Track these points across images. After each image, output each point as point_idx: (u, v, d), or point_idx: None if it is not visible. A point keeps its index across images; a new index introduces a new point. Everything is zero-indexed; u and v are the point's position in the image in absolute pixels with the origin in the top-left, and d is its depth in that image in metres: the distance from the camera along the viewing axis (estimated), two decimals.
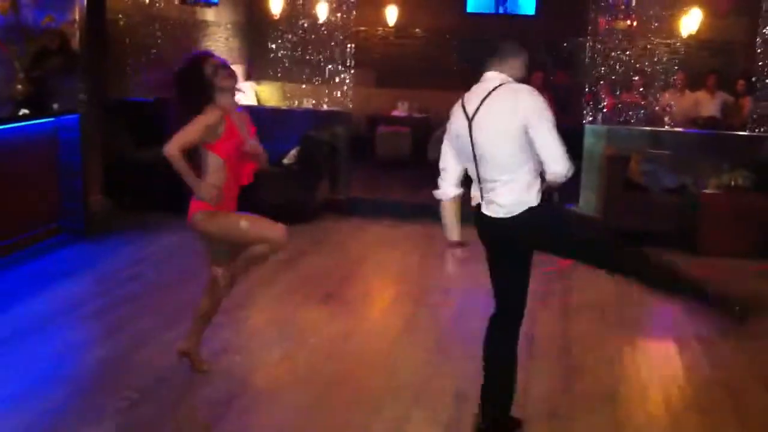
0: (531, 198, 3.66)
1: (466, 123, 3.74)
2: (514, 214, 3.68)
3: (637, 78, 9.39)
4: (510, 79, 3.76)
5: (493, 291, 3.97)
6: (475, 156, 3.73)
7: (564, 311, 6.04)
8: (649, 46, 9.41)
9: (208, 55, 4.39)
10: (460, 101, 3.83)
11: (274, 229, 4.45)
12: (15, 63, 6.92)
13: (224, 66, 4.30)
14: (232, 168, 4.35)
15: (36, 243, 6.93)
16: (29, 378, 4.44)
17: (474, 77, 3.90)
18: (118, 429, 3.93)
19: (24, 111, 6.88)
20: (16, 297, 5.74)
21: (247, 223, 4.36)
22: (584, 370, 4.95)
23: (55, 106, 7.20)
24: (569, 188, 8.79)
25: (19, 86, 6.89)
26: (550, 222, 3.74)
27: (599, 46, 9.09)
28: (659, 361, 5.20)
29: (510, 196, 3.67)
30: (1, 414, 4.03)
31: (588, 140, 8.67)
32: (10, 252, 6.58)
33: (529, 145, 3.58)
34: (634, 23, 9.15)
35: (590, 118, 8.91)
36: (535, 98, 3.61)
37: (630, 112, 9.17)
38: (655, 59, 9.43)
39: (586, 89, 9.08)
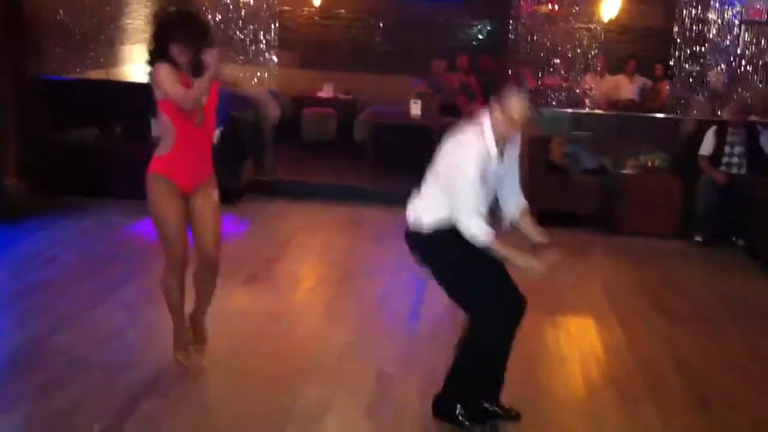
0: (425, 221, 3.77)
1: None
2: (410, 229, 3.84)
3: (558, 61, 9.54)
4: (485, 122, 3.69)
5: None
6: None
7: None
8: (570, 30, 9.56)
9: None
10: None
11: (167, 238, 4.17)
12: None
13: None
14: (182, 131, 4.07)
15: None
16: None
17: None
18: (29, 416, 3.84)
19: None
20: None
21: (159, 224, 4.15)
22: None
23: None
24: None
25: None
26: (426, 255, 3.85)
27: (522, 30, 9.19)
28: (578, 339, 5.32)
29: (413, 209, 3.84)
30: None
31: None
32: None
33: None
34: (556, 7, 9.28)
35: None
36: (456, 150, 3.65)
37: (552, 95, 9.31)
38: (576, 43, 9.58)
39: (509, 72, 9.18)
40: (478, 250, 3.71)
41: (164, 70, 3.95)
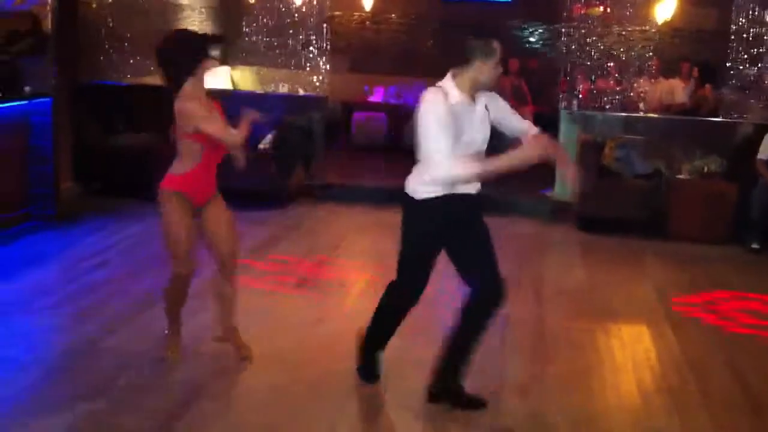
0: (412, 186, 3.98)
1: None
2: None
3: (612, 64, 9.42)
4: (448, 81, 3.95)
5: None
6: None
7: (537, 298, 6.06)
8: (623, 33, 9.43)
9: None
10: None
11: (177, 254, 4.29)
12: None
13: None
14: (211, 152, 4.28)
15: (5, 229, 6.84)
16: None
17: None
18: (82, 416, 3.89)
19: None
20: None
21: (173, 242, 4.27)
22: (556, 354, 4.98)
23: (27, 89, 7.11)
24: (545, 174, 8.90)
25: None
26: (403, 219, 4.03)
27: (574, 33, 9.09)
28: (631, 345, 5.23)
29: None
30: None
31: (563, 126, 8.70)
32: None
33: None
34: (608, 10, 9.16)
35: (565, 104, 8.92)
36: (420, 112, 3.83)
37: (605, 99, 9.19)
38: (630, 46, 9.45)
39: (561, 76, 9.09)
40: (442, 237, 4.00)
41: (196, 106, 4.09)
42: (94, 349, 4.67)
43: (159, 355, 4.55)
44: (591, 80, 9.25)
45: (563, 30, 9.19)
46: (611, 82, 9.50)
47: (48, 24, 7.18)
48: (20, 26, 7.10)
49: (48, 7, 7.16)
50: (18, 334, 4.85)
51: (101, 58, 9.04)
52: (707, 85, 10.86)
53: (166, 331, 4.59)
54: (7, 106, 6.91)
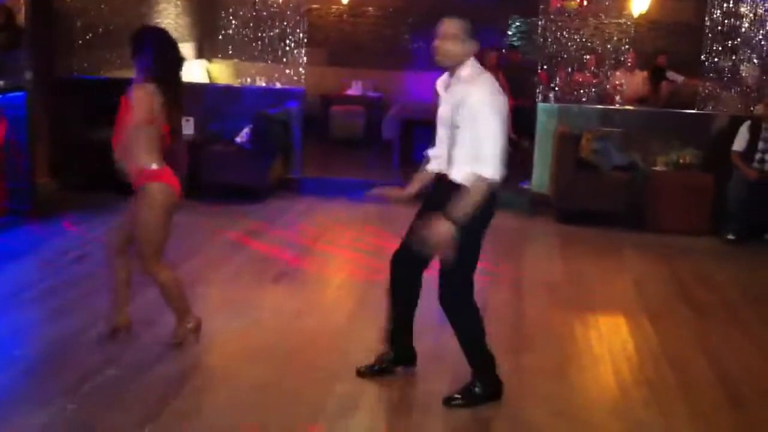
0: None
1: None
2: None
3: (588, 57, 9.46)
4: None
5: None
6: None
7: (516, 290, 6.09)
8: (600, 26, 9.47)
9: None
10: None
11: (157, 251, 4.42)
12: None
13: None
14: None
15: None
16: None
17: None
18: (67, 410, 3.88)
19: None
20: None
21: (158, 234, 4.37)
22: (534, 346, 5.01)
23: (1, 83, 7.04)
24: (522, 166, 8.94)
25: None
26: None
27: (550, 26, 9.12)
28: (608, 336, 5.28)
29: None
30: None
31: (540, 119, 8.74)
32: None
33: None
34: (585, 2, 9.20)
35: (542, 97, 8.96)
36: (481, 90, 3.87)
37: (582, 91, 9.24)
38: (606, 38, 9.50)
39: (539, 68, 9.12)
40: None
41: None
42: (75, 342, 4.64)
43: (139, 350, 4.54)
44: (568, 73, 9.29)
45: (540, 23, 9.21)
46: (588, 74, 9.54)
47: (22, 18, 7.11)
48: None
49: (22, 1, 7.09)
50: None
51: (77, 51, 8.95)
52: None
53: (189, 324, 4.61)
54: None
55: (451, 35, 3.93)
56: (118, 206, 7.40)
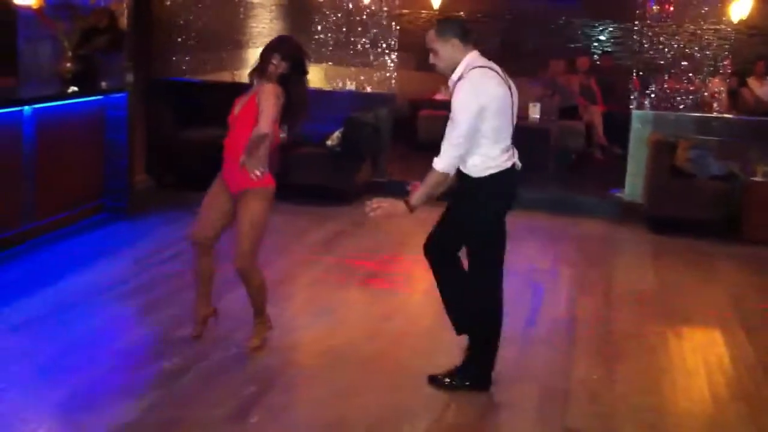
0: None
1: (508, 92, 4.10)
2: None
3: (685, 63, 9.21)
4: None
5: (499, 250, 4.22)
6: (513, 121, 4.18)
7: (606, 299, 5.97)
8: (697, 32, 9.22)
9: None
10: (489, 72, 4.08)
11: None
12: (64, 41, 7.00)
13: None
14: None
15: (79, 220, 7.01)
16: (68, 352, 4.50)
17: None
18: (156, 403, 3.97)
19: (72, 88, 6.95)
20: (59, 273, 5.82)
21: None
22: (627, 357, 4.90)
23: (103, 84, 7.28)
24: (613, 173, 8.77)
25: (68, 64, 6.97)
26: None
27: (646, 31, 8.92)
28: (703, 349, 5.12)
29: None
30: (40, 386, 4.10)
31: (635, 126, 8.55)
32: (55, 228, 6.66)
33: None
34: (682, 8, 8.97)
35: (637, 104, 8.77)
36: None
37: (678, 98, 9.00)
38: (704, 45, 9.24)
39: (634, 74, 8.93)
40: None
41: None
42: (166, 337, 4.75)
43: (231, 346, 4.62)
44: (664, 80, 9.07)
45: (635, 28, 9.02)
46: (684, 81, 9.29)
47: (124, 21, 7.33)
48: (98, 23, 7.26)
49: (125, 4, 7.32)
50: (91, 323, 4.97)
51: (174, 54, 9.19)
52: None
53: (269, 324, 4.69)
54: (84, 101, 7.08)
55: (431, 50, 4.11)
56: None
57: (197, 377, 4.26)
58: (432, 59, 4.13)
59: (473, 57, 4.07)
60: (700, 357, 4.97)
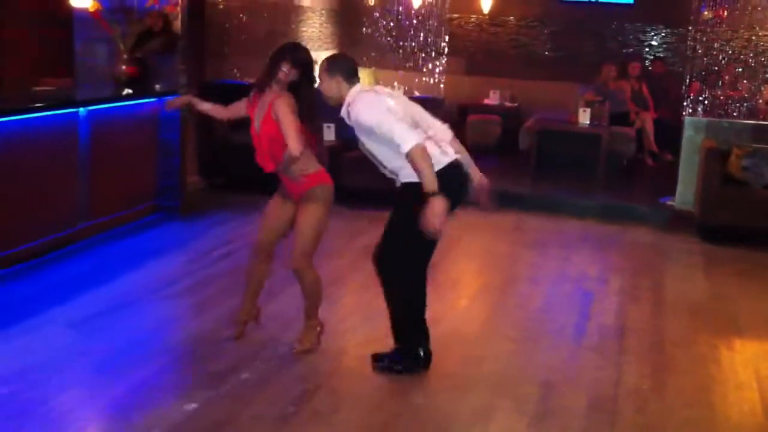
0: None
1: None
2: None
3: (740, 70, 9.08)
4: None
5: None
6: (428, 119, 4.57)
7: (655, 307, 5.91)
8: (753, 38, 9.08)
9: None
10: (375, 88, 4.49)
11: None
12: (119, 43, 7.14)
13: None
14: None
15: (133, 220, 7.14)
16: (121, 351, 4.59)
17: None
18: (208, 402, 4.03)
19: (127, 90, 7.09)
20: (112, 272, 5.93)
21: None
22: (676, 367, 4.84)
23: (158, 86, 7.40)
24: (665, 181, 8.66)
25: (123, 66, 7.11)
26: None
27: (700, 37, 8.80)
28: (755, 362, 5.04)
29: None
30: (93, 386, 4.19)
31: (687, 133, 8.45)
32: (109, 228, 6.80)
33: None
34: (737, 13, 8.83)
35: (690, 111, 8.66)
36: None
37: (732, 105, 8.87)
38: (760, 51, 9.08)
39: (687, 81, 8.81)
40: None
41: None
42: (216, 338, 4.82)
43: (281, 348, 4.67)
44: (718, 86, 8.94)
45: (689, 34, 8.91)
46: (739, 88, 9.16)
47: (179, 24, 7.46)
48: (153, 26, 7.40)
49: (179, 8, 7.44)
50: (144, 322, 5.07)
51: (226, 57, 9.31)
52: None
53: (319, 329, 4.74)
54: (139, 103, 7.21)
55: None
56: (260, 205, 7.71)
57: (246, 378, 4.31)
58: (320, 86, 4.37)
59: (357, 88, 4.29)
60: (752, 370, 4.89)
